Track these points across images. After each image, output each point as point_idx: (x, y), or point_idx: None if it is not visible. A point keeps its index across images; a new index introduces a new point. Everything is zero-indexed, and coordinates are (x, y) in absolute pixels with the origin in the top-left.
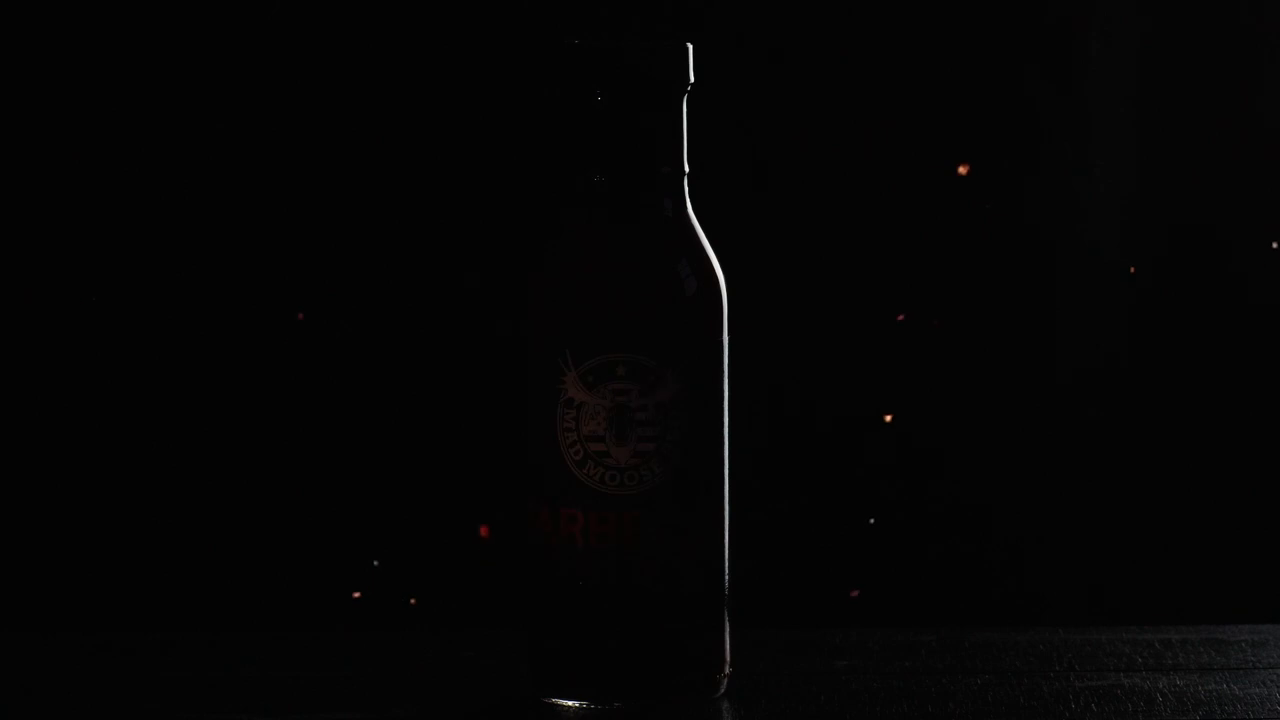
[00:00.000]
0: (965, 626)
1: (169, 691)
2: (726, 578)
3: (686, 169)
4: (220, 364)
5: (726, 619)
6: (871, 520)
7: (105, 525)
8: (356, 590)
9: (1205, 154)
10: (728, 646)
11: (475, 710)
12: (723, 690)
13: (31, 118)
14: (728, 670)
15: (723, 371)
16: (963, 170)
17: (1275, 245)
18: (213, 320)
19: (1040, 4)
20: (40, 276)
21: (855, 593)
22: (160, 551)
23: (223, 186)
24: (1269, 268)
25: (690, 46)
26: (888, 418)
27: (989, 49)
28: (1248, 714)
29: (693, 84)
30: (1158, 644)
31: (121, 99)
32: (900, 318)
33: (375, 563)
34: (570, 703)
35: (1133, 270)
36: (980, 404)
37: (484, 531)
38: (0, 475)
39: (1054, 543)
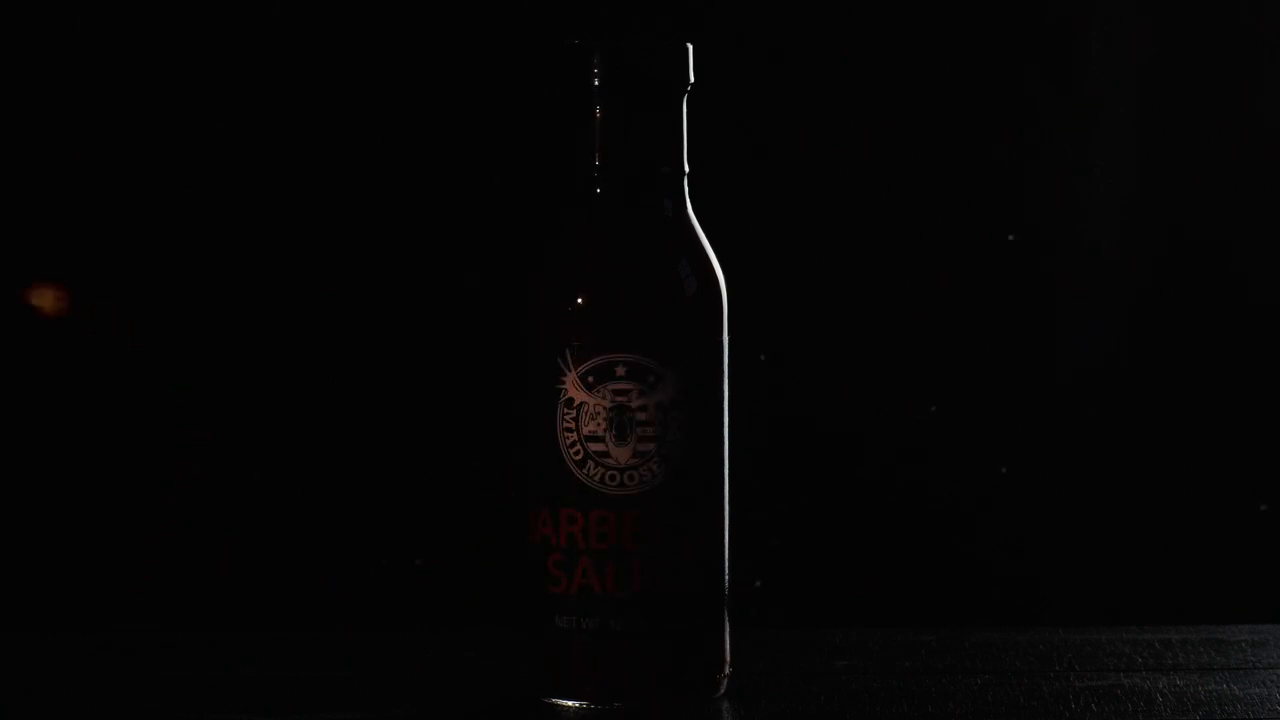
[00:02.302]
0: (965, 626)
1: (169, 691)
2: (726, 578)
3: (686, 169)
4: (220, 363)
5: (726, 619)
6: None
7: (105, 525)
8: (352, 588)
9: (1205, 154)
10: (728, 646)
11: (475, 710)
12: (723, 690)
13: (30, 118)
14: (728, 670)
15: (723, 371)
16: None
17: None
18: (213, 319)
19: (1040, 4)
20: (39, 276)
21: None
22: (160, 551)
23: (222, 186)
24: (1269, 268)
25: (690, 46)
26: (887, 417)
27: (989, 49)
28: (1248, 714)
29: (693, 84)
30: (1158, 644)
31: (120, 99)
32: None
33: (379, 562)
34: (570, 703)
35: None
36: (980, 404)
37: None
38: (0, 475)
39: (1054, 542)
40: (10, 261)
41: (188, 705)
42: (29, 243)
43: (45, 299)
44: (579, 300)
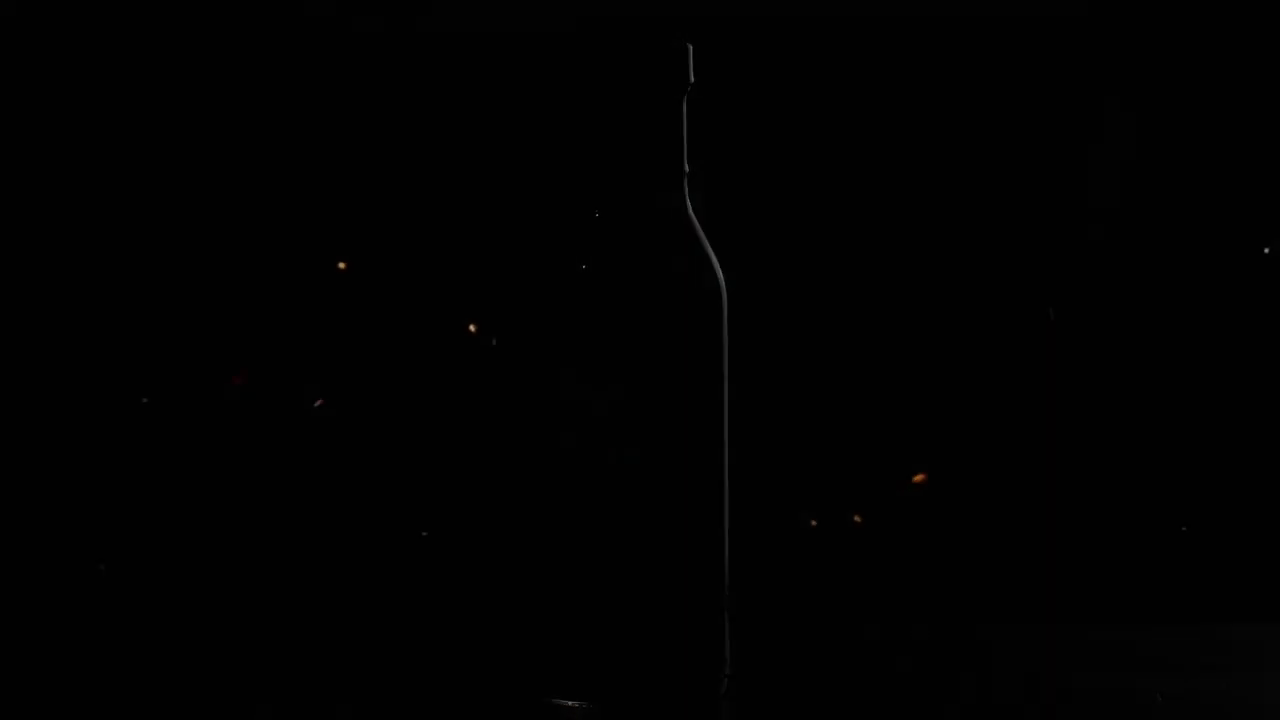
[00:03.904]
0: (965, 626)
1: (169, 691)
2: (726, 578)
3: (686, 169)
4: (220, 364)
5: (726, 619)
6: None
7: (105, 525)
8: (352, 587)
9: (1205, 153)
10: (728, 646)
11: (475, 710)
12: (723, 690)
13: (31, 118)
14: (728, 670)
15: (723, 371)
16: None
17: (1267, 250)
18: (213, 319)
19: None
20: (35, 277)
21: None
22: (160, 551)
23: (223, 186)
24: (1266, 267)
25: (690, 47)
26: (887, 418)
27: (989, 49)
28: (1248, 714)
29: (693, 84)
30: (1158, 644)
31: (125, 100)
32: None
33: (379, 563)
34: (570, 703)
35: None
36: (980, 404)
37: None
38: (0, 475)
39: (1055, 542)
40: (9, 261)
41: (188, 705)
42: (27, 242)
43: None
44: (579, 300)
